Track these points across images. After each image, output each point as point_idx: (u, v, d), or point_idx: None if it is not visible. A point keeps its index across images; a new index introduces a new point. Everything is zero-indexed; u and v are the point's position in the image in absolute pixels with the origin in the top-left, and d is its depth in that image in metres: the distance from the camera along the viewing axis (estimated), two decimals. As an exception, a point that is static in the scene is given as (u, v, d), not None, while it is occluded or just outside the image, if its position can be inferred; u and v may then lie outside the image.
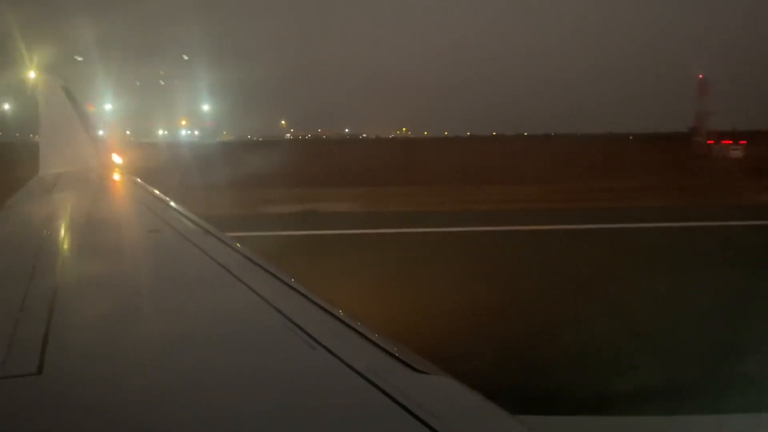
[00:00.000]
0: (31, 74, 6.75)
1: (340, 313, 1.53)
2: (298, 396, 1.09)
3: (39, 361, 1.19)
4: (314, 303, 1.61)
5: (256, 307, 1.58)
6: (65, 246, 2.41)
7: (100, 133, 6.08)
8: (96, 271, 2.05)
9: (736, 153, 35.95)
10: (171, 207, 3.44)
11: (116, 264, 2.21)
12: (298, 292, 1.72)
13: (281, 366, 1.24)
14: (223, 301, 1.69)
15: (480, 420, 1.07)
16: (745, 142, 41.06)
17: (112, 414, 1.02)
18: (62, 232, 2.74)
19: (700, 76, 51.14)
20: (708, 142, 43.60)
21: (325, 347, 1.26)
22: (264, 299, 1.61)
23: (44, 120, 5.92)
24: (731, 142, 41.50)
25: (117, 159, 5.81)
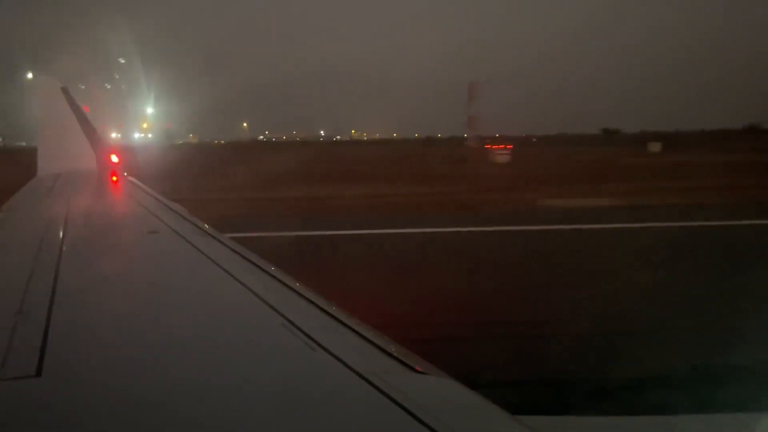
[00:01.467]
0: (29, 75, 6.74)
1: (340, 314, 1.53)
2: (298, 397, 1.09)
3: (38, 363, 1.18)
4: (314, 304, 1.61)
5: (255, 309, 1.58)
6: (64, 248, 2.40)
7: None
8: (95, 272, 2.04)
9: (503, 157, 36.76)
10: (169, 208, 3.43)
11: (115, 266, 2.20)
12: (298, 293, 1.71)
13: (281, 367, 1.23)
14: (223, 303, 1.69)
15: (480, 420, 1.07)
16: (511, 146, 42.15)
17: (111, 416, 1.01)
18: (61, 233, 2.73)
19: (472, 82, 51.23)
20: (485, 146, 44.36)
21: (325, 348, 1.26)
22: (263, 300, 1.61)
23: (42, 121, 5.91)
24: (502, 146, 42.48)
25: (115, 160, 5.80)
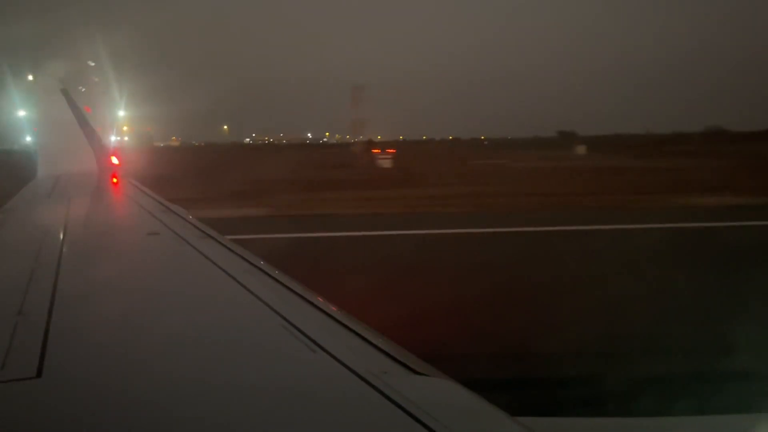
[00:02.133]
0: (29, 77, 6.75)
1: (340, 315, 1.53)
2: (298, 399, 1.09)
3: (38, 364, 1.18)
4: (314, 305, 1.61)
5: (255, 310, 1.58)
6: (64, 249, 2.40)
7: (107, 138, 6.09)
8: (95, 274, 2.05)
9: (384, 162, 36.61)
10: (169, 209, 3.43)
11: (115, 267, 2.20)
12: (298, 294, 1.72)
13: (281, 369, 1.24)
14: (223, 305, 1.69)
15: (479, 421, 1.07)
16: (394, 151, 42.25)
17: (111, 418, 1.01)
18: (61, 235, 2.74)
19: (356, 85, 51.00)
20: (374, 150, 44.08)
21: (325, 350, 1.26)
22: (264, 302, 1.61)
23: (42, 122, 5.92)
24: (379, 151, 42.70)
25: (115, 161, 5.80)
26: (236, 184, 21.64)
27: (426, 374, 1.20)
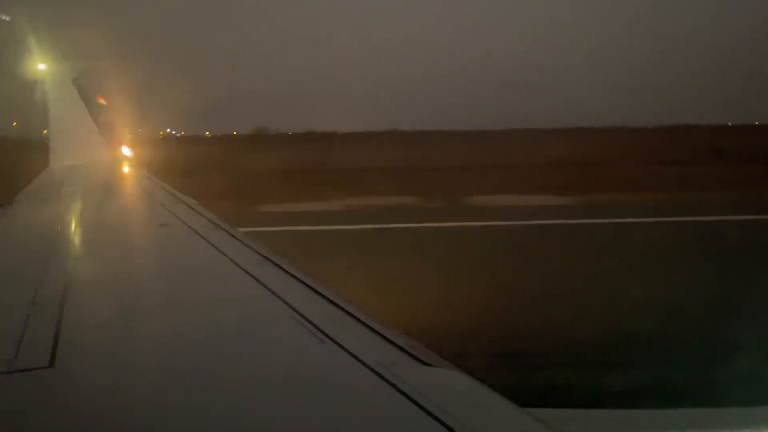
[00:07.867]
0: (41, 66, 6.79)
1: (350, 306, 1.53)
2: (307, 389, 1.09)
3: (50, 354, 1.20)
4: (323, 296, 1.62)
5: (265, 301, 1.59)
6: (76, 239, 2.43)
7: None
8: (107, 265, 2.07)
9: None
10: (180, 200, 3.45)
11: (127, 258, 2.22)
12: (308, 285, 1.72)
13: (290, 359, 1.24)
14: (233, 295, 1.70)
15: (488, 412, 1.07)
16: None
17: (122, 406, 1.02)
18: (73, 225, 2.76)
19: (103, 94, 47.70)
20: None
21: (334, 340, 1.27)
22: (273, 293, 1.62)
23: (54, 112, 5.95)
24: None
25: (127, 152, 5.84)
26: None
27: (434, 365, 1.20)
